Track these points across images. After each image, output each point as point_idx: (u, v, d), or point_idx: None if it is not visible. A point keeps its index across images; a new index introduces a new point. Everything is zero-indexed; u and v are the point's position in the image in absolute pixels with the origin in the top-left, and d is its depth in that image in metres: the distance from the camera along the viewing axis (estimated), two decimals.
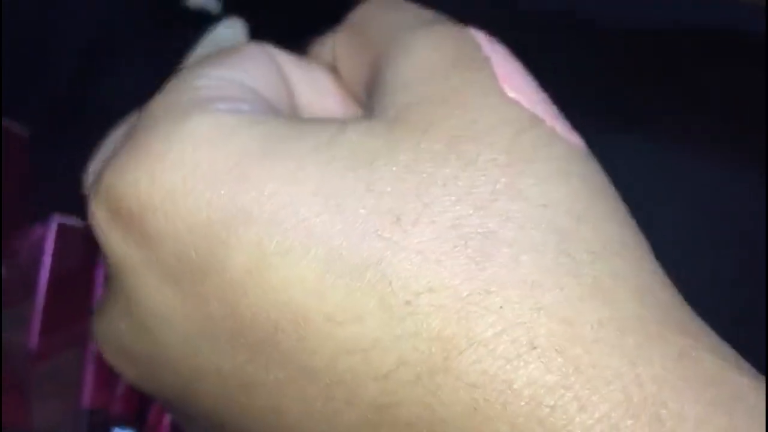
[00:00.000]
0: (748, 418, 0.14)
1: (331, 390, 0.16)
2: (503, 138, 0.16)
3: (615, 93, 0.33)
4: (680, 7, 0.32)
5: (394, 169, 0.16)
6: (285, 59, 0.21)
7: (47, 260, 0.28)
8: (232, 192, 0.16)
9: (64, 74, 0.34)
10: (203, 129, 0.17)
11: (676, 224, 0.30)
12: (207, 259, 0.16)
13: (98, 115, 0.22)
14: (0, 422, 0.28)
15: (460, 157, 0.16)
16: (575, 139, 0.17)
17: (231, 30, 0.31)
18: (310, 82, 0.21)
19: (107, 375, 0.29)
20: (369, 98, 0.19)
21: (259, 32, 0.31)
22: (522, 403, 0.14)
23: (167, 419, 0.29)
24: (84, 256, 0.30)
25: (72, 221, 0.29)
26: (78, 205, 0.20)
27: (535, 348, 0.14)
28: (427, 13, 0.20)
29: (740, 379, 0.14)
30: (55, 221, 0.29)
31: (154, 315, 0.17)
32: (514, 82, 0.18)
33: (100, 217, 0.17)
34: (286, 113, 0.20)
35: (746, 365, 0.15)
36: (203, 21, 0.32)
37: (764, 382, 0.15)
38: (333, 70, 0.22)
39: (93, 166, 0.21)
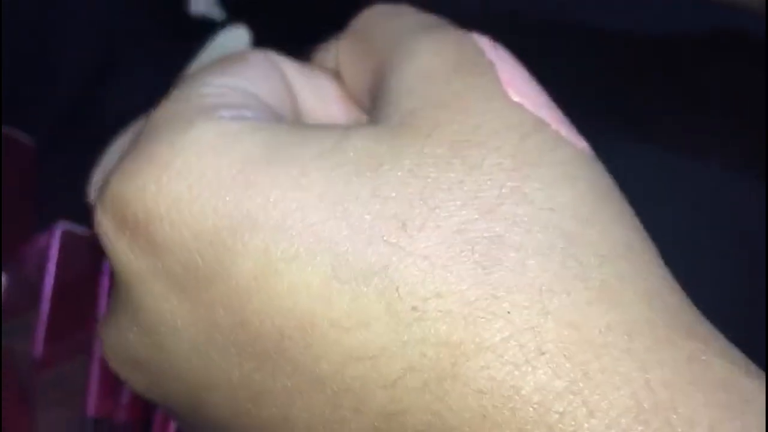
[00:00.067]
0: (760, 423, 0.14)
1: (338, 398, 0.16)
2: (508, 142, 0.16)
3: (615, 93, 0.33)
4: (680, 7, 0.32)
5: (398, 174, 0.16)
6: (288, 66, 0.21)
7: (52, 268, 0.28)
8: (237, 199, 0.16)
9: (69, 83, 0.34)
10: (207, 136, 0.17)
11: (676, 224, 0.30)
12: (213, 266, 0.16)
13: (103, 123, 0.22)
14: (4, 430, 0.28)
15: (464, 162, 0.16)
16: (580, 143, 0.17)
17: (234, 37, 0.31)
18: (313, 89, 0.21)
19: (112, 383, 0.29)
20: (372, 104, 0.19)
21: (262, 39, 0.31)
22: (530, 410, 0.14)
23: (172, 427, 0.29)
24: (89, 264, 0.30)
25: (77, 229, 0.29)
26: (83, 212, 0.20)
27: (543, 353, 0.14)
28: (430, 19, 0.20)
29: (750, 383, 0.14)
30: (60, 229, 0.29)
31: (161, 323, 0.17)
32: (518, 86, 0.17)
33: (106, 225, 0.17)
34: (290, 120, 0.20)
35: (755, 368, 0.15)
36: (207, 28, 0.32)
37: None
38: (336, 76, 0.22)
39: (96, 175, 0.21)
